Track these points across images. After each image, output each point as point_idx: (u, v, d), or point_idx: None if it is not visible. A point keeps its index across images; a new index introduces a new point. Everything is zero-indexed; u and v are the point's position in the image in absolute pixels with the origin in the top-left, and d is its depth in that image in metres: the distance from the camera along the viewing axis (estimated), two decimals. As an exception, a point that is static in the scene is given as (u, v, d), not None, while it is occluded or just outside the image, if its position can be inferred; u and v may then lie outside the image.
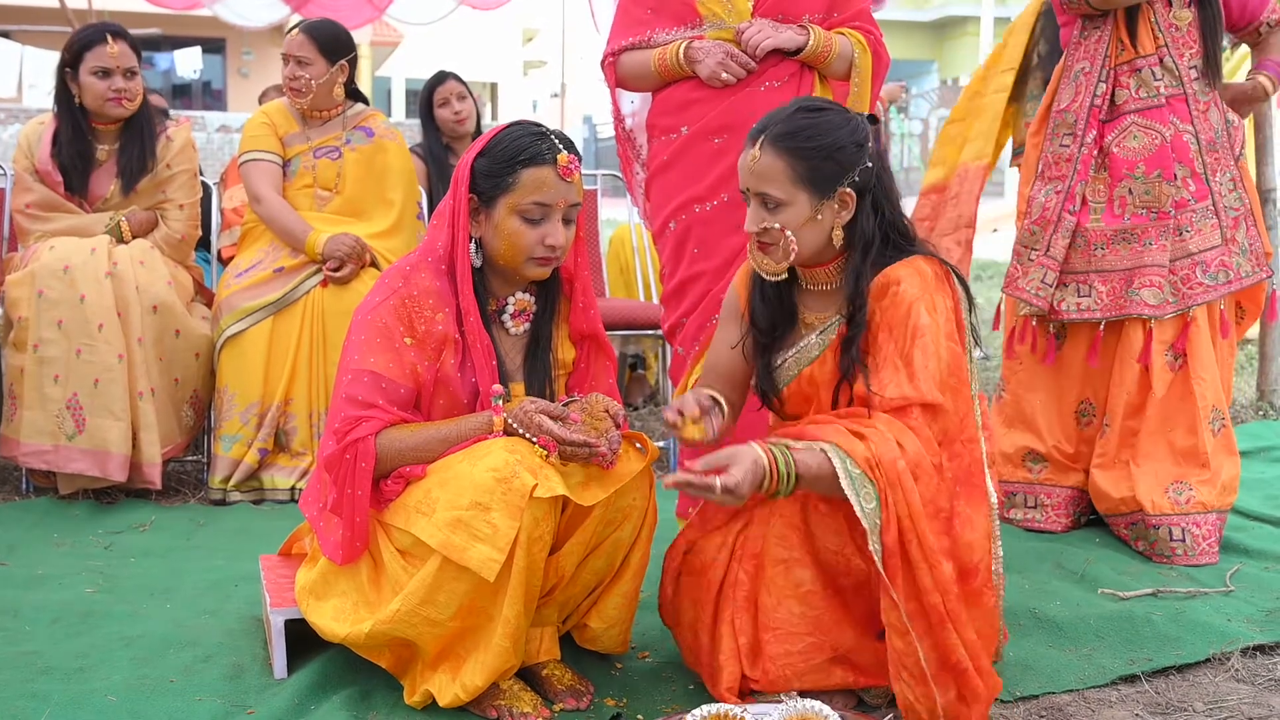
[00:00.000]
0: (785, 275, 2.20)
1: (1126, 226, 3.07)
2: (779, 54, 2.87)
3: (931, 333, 2.05)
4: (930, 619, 1.95)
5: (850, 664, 2.12)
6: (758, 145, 2.14)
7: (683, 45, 2.87)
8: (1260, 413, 4.69)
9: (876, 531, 1.93)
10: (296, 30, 3.78)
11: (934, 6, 28.05)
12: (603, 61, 3.06)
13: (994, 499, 2.15)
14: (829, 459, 1.96)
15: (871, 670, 2.11)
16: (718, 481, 1.92)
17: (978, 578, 2.04)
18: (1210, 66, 3.09)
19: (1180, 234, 3.05)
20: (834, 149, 2.12)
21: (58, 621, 2.54)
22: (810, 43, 2.86)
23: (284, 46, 3.79)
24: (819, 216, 2.14)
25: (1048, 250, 3.11)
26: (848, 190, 2.13)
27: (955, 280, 2.17)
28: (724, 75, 2.84)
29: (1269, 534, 3.18)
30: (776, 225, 2.13)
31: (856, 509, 1.93)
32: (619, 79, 3.03)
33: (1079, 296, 3.12)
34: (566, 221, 2.19)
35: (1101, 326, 3.10)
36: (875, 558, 1.94)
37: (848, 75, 2.95)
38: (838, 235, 2.15)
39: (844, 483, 1.94)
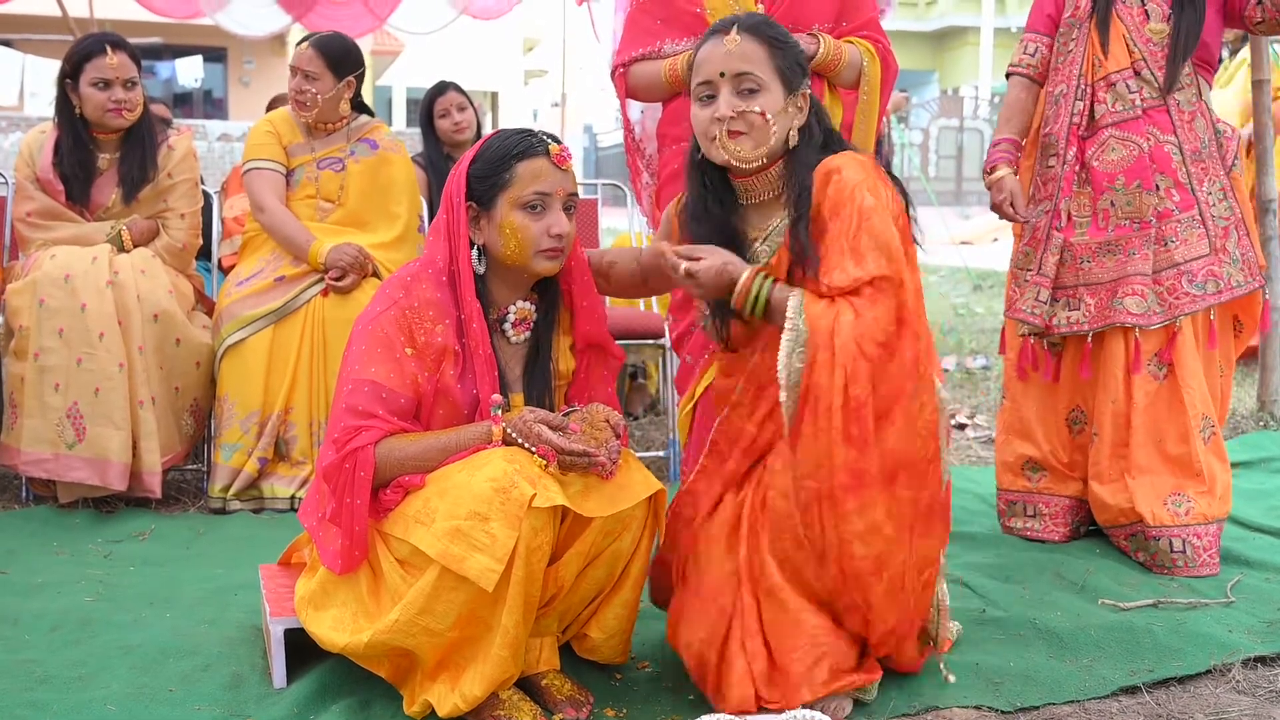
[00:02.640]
0: (755, 164, 2.21)
1: (1111, 238, 3.08)
2: None
3: (879, 214, 2.08)
4: (804, 496, 2.04)
5: (844, 670, 2.14)
6: (734, 31, 2.20)
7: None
8: (1261, 423, 4.69)
9: (791, 388, 2.02)
10: (305, 44, 3.78)
11: (934, 17, 28.10)
12: (613, 73, 3.08)
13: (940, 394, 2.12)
14: (790, 300, 2.07)
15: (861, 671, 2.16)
16: (683, 265, 2.13)
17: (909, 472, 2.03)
18: (1168, 77, 3.06)
19: (1165, 244, 3.06)
20: (798, 49, 2.25)
21: (57, 630, 2.54)
22: (820, 51, 2.87)
23: (292, 59, 3.79)
24: (788, 109, 2.21)
25: (1040, 269, 3.15)
26: (807, 92, 2.23)
27: (889, 176, 2.22)
28: None
29: (1270, 545, 3.17)
30: (756, 109, 2.17)
31: (781, 361, 2.03)
32: (629, 89, 3.05)
33: (1069, 310, 3.14)
34: (567, 211, 2.20)
35: (1089, 338, 3.12)
36: (785, 409, 2.03)
37: (857, 84, 2.96)
38: (793, 136, 2.22)
39: (787, 333, 2.04)
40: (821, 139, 2.24)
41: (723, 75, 2.19)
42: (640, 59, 2.99)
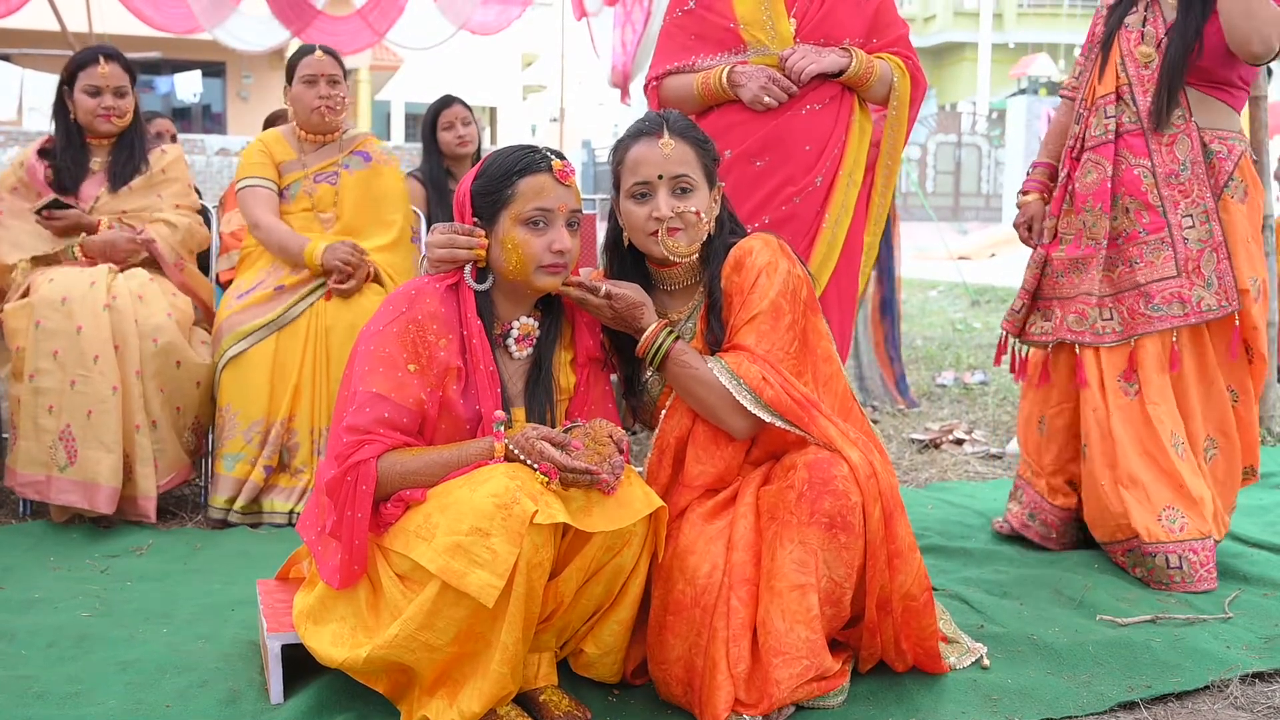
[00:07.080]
0: (689, 258, 2.35)
1: (1080, 255, 3.19)
2: (821, 77, 2.91)
3: (772, 298, 2.28)
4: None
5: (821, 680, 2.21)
6: (667, 134, 2.33)
7: (726, 70, 2.94)
8: (1258, 439, 4.69)
9: (760, 404, 2.22)
10: (318, 53, 3.84)
11: (932, 32, 28.24)
12: (646, 86, 3.15)
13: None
14: (710, 365, 2.26)
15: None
16: (605, 286, 2.26)
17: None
18: (1158, 107, 3.06)
19: (1130, 265, 3.12)
20: (713, 148, 2.41)
21: (53, 646, 2.53)
22: (852, 65, 2.92)
23: (310, 69, 3.81)
24: (713, 204, 2.37)
25: (1023, 282, 3.31)
26: (721, 185, 2.41)
27: (792, 250, 2.41)
28: (766, 99, 2.89)
29: (1268, 560, 3.17)
30: (693, 209, 2.31)
31: (734, 391, 2.23)
32: (662, 102, 3.10)
33: (1043, 321, 3.28)
34: (570, 228, 2.21)
35: (1049, 348, 3.27)
36: (763, 415, 2.23)
37: (887, 99, 3.00)
38: (712, 228, 2.37)
39: (727, 381, 2.24)
40: (729, 226, 2.41)
41: (660, 177, 2.31)
42: (673, 73, 3.06)
